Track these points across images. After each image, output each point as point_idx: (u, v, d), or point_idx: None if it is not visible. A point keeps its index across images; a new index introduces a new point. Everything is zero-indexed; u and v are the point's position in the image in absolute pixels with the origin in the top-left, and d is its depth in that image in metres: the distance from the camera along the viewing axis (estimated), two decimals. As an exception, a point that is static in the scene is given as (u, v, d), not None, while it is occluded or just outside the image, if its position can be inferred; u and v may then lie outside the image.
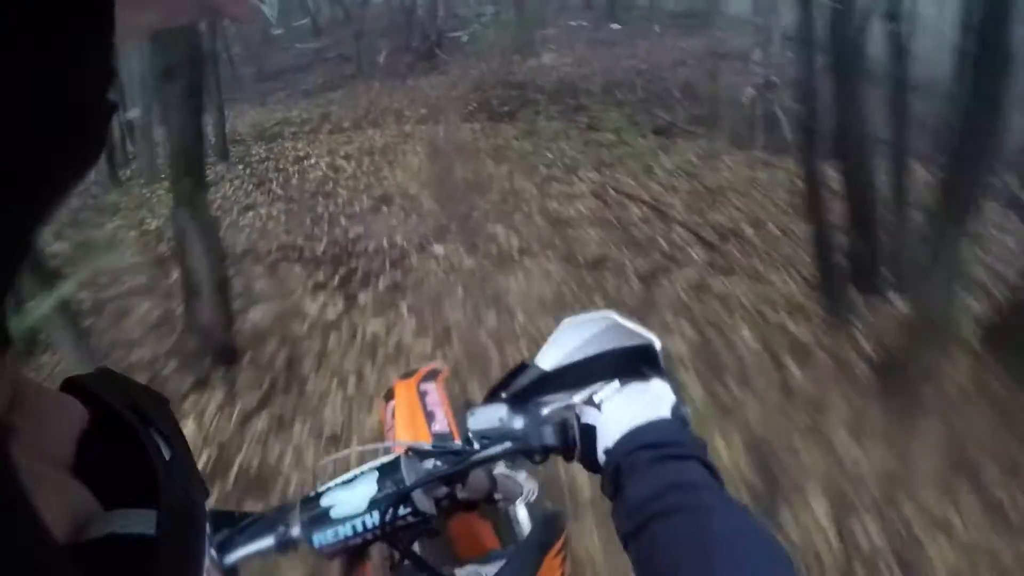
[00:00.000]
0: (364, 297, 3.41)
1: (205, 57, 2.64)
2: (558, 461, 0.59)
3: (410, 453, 0.64)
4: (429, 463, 0.64)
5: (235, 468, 2.28)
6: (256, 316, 3.28)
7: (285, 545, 0.61)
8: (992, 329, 2.71)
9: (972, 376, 2.51)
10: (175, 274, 3.72)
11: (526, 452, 0.57)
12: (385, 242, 4.01)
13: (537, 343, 0.61)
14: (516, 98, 7.96)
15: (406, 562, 0.65)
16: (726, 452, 2.22)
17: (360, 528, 0.60)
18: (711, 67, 8.96)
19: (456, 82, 9.32)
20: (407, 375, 1.19)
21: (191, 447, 0.27)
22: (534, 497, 0.67)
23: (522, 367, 0.58)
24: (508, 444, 0.57)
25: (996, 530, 1.95)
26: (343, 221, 4.35)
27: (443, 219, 4.26)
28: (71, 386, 0.25)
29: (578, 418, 0.55)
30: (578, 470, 0.59)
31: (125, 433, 0.23)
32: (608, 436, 0.52)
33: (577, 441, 0.55)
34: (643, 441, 0.49)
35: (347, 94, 9.58)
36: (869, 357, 2.72)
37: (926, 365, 2.54)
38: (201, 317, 2.79)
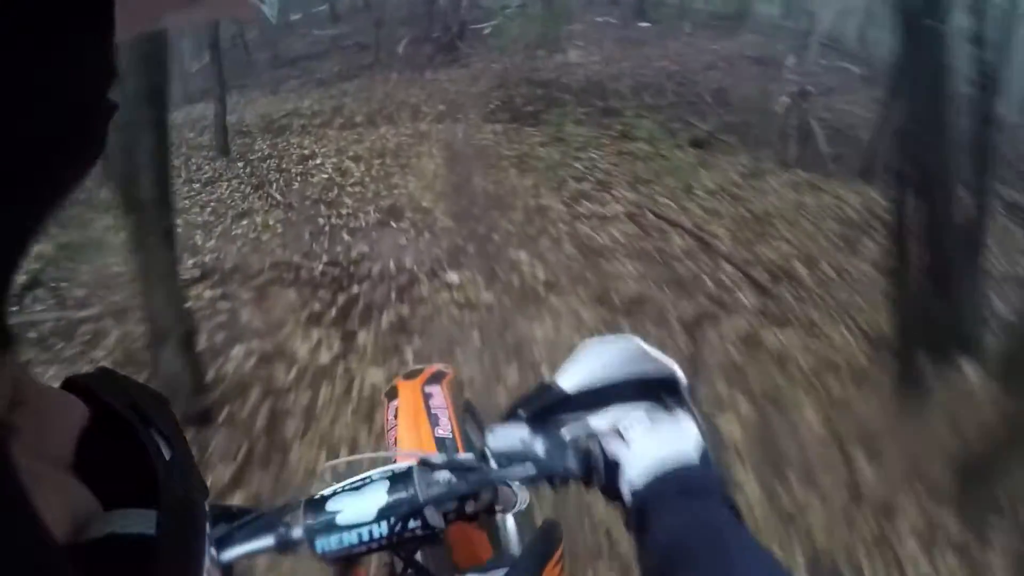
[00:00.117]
0: (364, 337, 2.92)
1: (167, 52, 2.09)
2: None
3: (422, 464, 0.61)
4: (441, 475, 0.60)
5: None
6: (238, 356, 2.80)
7: (285, 546, 0.58)
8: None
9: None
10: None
11: (548, 477, 0.55)
12: (392, 265, 3.52)
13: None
14: (541, 97, 7.44)
15: (409, 571, 0.66)
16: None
17: (366, 537, 0.57)
18: (744, 72, 8.52)
19: (477, 77, 8.82)
20: (411, 374, 1.13)
21: None
22: (525, 507, 0.64)
23: (542, 387, 0.56)
24: (530, 467, 0.55)
25: None
26: (346, 236, 3.86)
27: (459, 239, 3.76)
28: (71, 386, 0.24)
29: (602, 447, 0.53)
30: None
31: (125, 433, 0.23)
32: (633, 470, 0.50)
33: (601, 470, 0.53)
34: (670, 480, 0.48)
35: (362, 85, 9.11)
36: (943, 448, 2.28)
37: (1013, 468, 2.08)
38: (168, 369, 2.31)
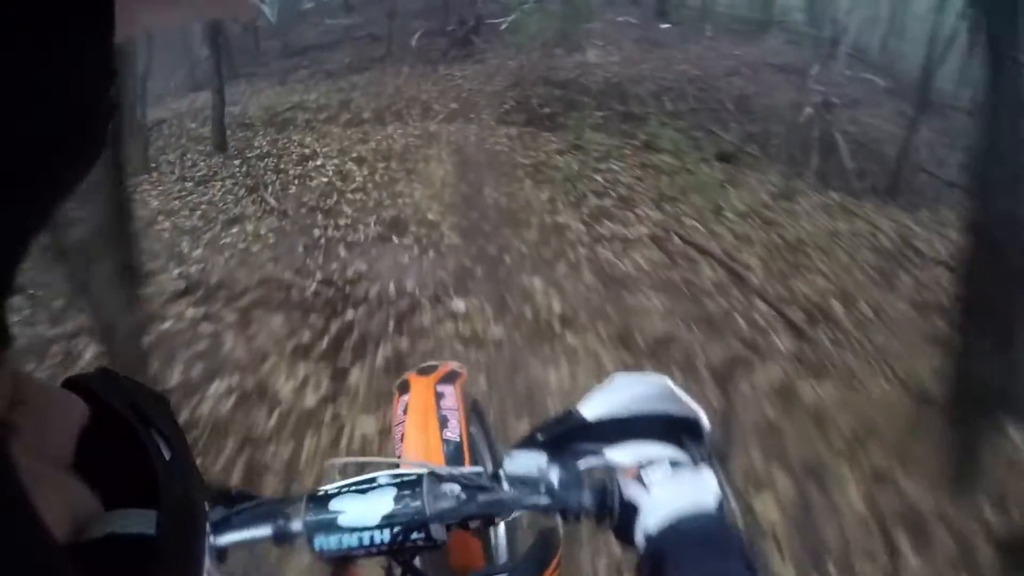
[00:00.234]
0: (357, 376, 2.58)
1: (125, 63, 1.73)
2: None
3: (432, 476, 0.59)
4: (450, 488, 0.58)
5: None
6: (216, 394, 2.48)
7: (283, 538, 0.57)
8: None
9: None
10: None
11: (561, 510, 0.55)
12: (392, 287, 3.18)
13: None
14: (559, 99, 7.08)
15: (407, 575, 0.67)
16: None
17: (367, 542, 0.56)
18: (767, 80, 8.24)
19: (492, 74, 8.47)
20: (425, 370, 1.09)
21: None
22: (519, 515, 0.61)
23: (564, 413, 0.57)
24: (544, 497, 0.55)
25: None
26: (342, 251, 3.52)
27: (466, 260, 3.42)
28: (71, 386, 0.24)
29: (620, 489, 0.53)
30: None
31: (125, 433, 0.23)
32: (651, 519, 0.50)
33: (615, 511, 0.53)
34: (687, 531, 0.48)
35: (373, 78, 8.78)
36: (991, 531, 2.02)
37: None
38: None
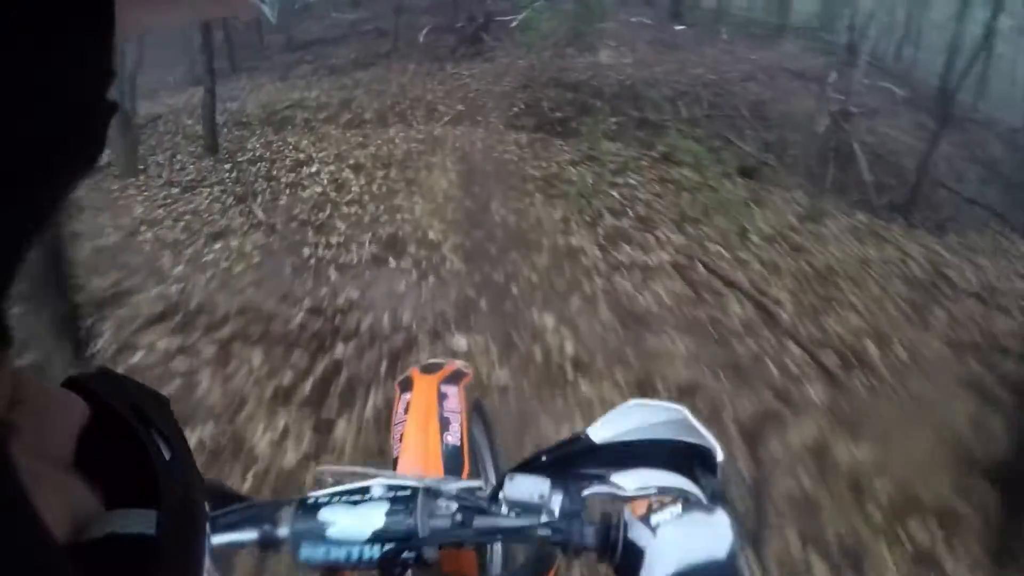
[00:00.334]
0: (343, 429, 2.27)
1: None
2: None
3: (428, 491, 0.57)
4: (445, 505, 0.56)
5: None
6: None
7: (268, 543, 0.56)
8: None
9: None
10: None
11: (561, 544, 0.52)
12: (386, 320, 2.87)
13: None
14: (571, 103, 6.75)
15: None
16: None
17: (355, 557, 0.54)
18: (783, 86, 8.10)
19: (502, 73, 8.14)
20: (430, 368, 1.03)
21: None
22: None
23: (572, 436, 0.56)
24: (544, 528, 0.51)
25: None
26: (333, 275, 3.21)
27: (470, 289, 3.10)
28: (71, 386, 0.24)
29: (626, 527, 0.50)
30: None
31: (125, 433, 0.23)
32: (658, 567, 0.47)
33: (618, 551, 0.50)
34: None
35: (377, 75, 8.46)
36: None
37: None
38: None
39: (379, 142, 5.37)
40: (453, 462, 0.86)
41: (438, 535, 0.53)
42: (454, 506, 0.55)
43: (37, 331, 1.52)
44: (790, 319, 3.14)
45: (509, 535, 0.53)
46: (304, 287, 3.10)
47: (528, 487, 0.53)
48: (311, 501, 0.56)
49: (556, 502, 0.52)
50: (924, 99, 9.03)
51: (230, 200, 4.10)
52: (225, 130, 6.20)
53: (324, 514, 0.54)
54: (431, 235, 3.58)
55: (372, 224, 3.71)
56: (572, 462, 0.54)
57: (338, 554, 0.53)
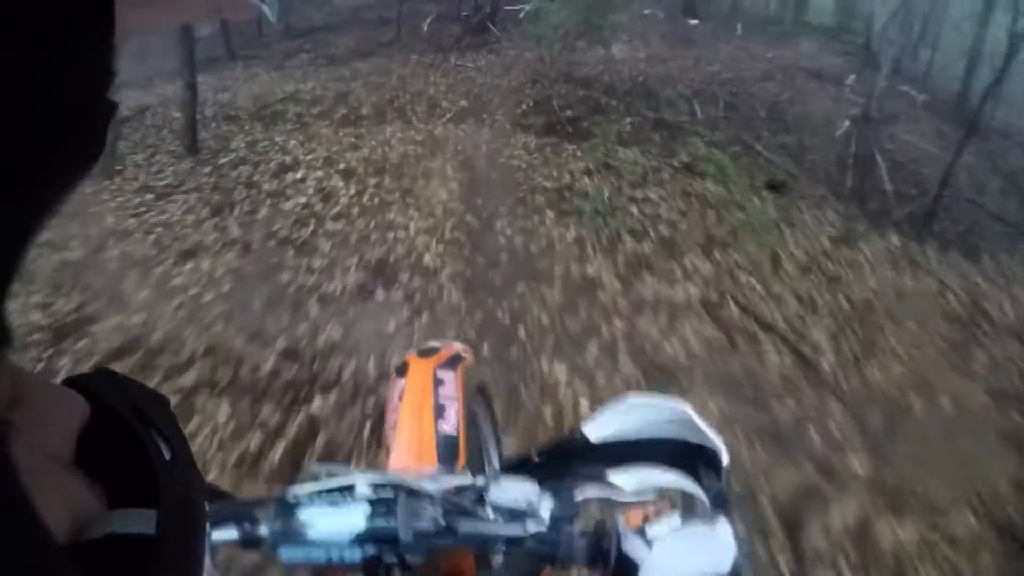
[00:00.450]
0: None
1: None
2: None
3: (411, 494, 0.54)
4: (430, 508, 0.52)
5: None
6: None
7: (249, 542, 0.54)
8: None
9: None
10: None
11: (550, 558, 0.49)
12: (372, 367, 2.48)
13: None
14: (583, 101, 6.32)
15: None
16: None
17: (336, 559, 0.52)
18: (801, 86, 7.71)
19: (509, 67, 7.71)
20: (427, 352, 0.98)
21: None
22: None
23: (568, 433, 0.53)
24: (531, 539, 0.49)
25: None
26: (314, 308, 2.80)
27: (470, 329, 2.70)
28: (71, 385, 0.24)
29: (620, 538, 0.47)
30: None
31: (125, 432, 0.23)
32: None
33: (611, 564, 0.47)
34: None
35: (378, 66, 8.03)
36: None
37: None
38: None
39: (374, 143, 4.95)
40: (448, 452, 0.81)
41: (420, 539, 0.51)
42: (440, 511, 0.52)
43: None
44: (831, 370, 2.76)
45: (494, 544, 0.50)
46: (279, 323, 2.70)
47: (515, 492, 0.50)
48: (291, 500, 0.53)
49: (546, 508, 0.50)
50: (944, 105, 8.57)
51: (206, 212, 3.69)
52: (213, 124, 5.79)
53: (304, 514, 0.52)
54: (427, 259, 3.16)
55: (360, 244, 3.29)
56: (565, 461, 0.52)
57: (318, 555, 0.51)
